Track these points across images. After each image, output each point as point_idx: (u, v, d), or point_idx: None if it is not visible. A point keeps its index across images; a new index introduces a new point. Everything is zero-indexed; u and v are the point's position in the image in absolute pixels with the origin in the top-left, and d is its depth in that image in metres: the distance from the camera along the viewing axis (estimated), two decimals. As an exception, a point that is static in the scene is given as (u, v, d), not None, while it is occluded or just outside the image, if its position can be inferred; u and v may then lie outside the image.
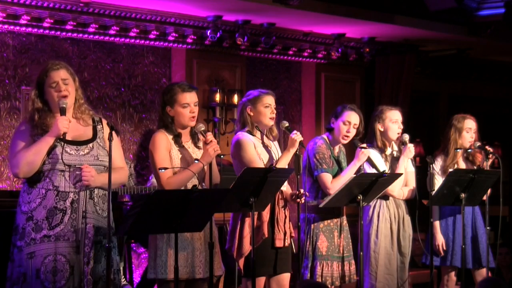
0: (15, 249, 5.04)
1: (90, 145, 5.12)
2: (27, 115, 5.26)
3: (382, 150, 6.81)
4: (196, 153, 5.58)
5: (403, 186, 6.83)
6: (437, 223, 7.09)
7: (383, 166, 6.67)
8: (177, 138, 5.54)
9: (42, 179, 5.03)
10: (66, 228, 5.01)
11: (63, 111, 5.03)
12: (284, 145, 6.24)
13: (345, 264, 6.45)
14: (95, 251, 5.08)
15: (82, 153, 5.06)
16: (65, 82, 5.09)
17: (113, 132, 5.15)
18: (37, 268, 4.96)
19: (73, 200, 5.03)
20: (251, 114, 6.03)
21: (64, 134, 4.97)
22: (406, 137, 6.78)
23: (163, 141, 5.49)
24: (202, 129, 5.56)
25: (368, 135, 6.87)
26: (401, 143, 6.83)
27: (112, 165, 5.08)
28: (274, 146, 6.17)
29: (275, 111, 6.07)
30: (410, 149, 6.72)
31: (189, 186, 5.43)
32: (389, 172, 6.62)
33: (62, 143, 5.01)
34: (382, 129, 6.82)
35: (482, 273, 7.06)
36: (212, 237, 5.42)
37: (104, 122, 5.29)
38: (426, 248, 7.09)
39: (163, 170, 5.39)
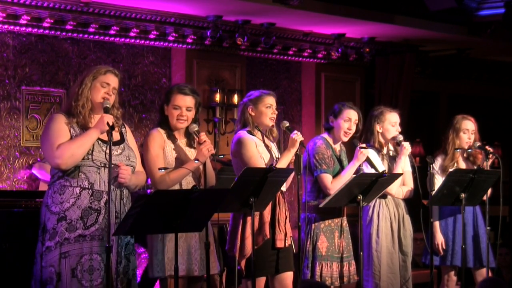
0: (43, 248, 5.10)
1: (122, 146, 5.27)
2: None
3: (379, 150, 6.83)
4: (191, 152, 5.62)
5: (401, 185, 6.85)
6: (437, 223, 7.09)
7: (381, 166, 6.68)
8: (170, 133, 5.60)
9: (77, 175, 5.10)
10: (100, 227, 5.10)
11: (107, 110, 5.15)
12: (284, 145, 6.25)
13: (344, 265, 6.45)
14: (127, 250, 5.22)
15: (115, 153, 5.18)
16: (113, 91, 5.25)
17: (133, 137, 5.42)
18: (73, 268, 5.04)
19: (107, 200, 5.10)
20: (252, 114, 6.04)
21: (110, 129, 5.05)
22: (400, 137, 6.81)
23: (157, 139, 5.56)
24: (196, 129, 5.59)
25: (364, 134, 6.88)
26: (397, 144, 6.85)
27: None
28: (274, 147, 6.18)
29: (276, 112, 6.08)
30: (406, 147, 6.75)
31: (187, 186, 5.46)
32: (387, 171, 6.63)
33: (100, 142, 5.13)
34: (380, 130, 6.85)
35: (482, 273, 7.07)
36: (207, 237, 5.45)
37: (127, 126, 5.45)
38: (428, 247, 7.09)
39: (163, 170, 5.42)
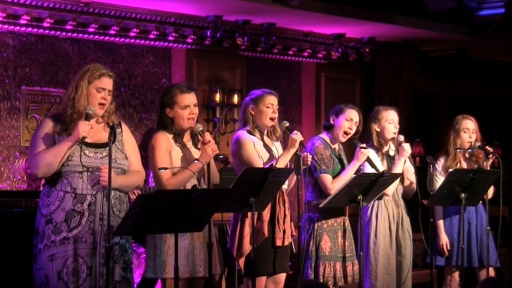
0: (36, 250, 5.12)
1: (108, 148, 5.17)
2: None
3: (378, 150, 6.84)
4: (197, 154, 5.59)
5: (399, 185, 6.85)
6: (441, 223, 7.09)
7: (381, 166, 6.68)
8: (177, 137, 5.55)
9: (60, 180, 5.10)
10: (84, 230, 5.08)
11: (87, 117, 5.11)
12: (284, 145, 6.25)
13: (348, 264, 6.45)
14: (114, 252, 5.15)
15: (100, 155, 5.14)
16: (109, 93, 5.23)
17: (131, 136, 5.33)
18: (59, 270, 5.04)
19: (91, 202, 5.10)
20: (253, 113, 6.05)
21: (83, 138, 5.04)
22: (401, 137, 6.81)
23: (163, 142, 5.51)
24: (200, 129, 5.57)
25: (364, 135, 6.88)
26: (398, 144, 6.85)
27: (129, 168, 5.25)
28: (276, 147, 6.17)
29: (277, 112, 6.08)
30: (406, 148, 6.74)
31: (189, 186, 5.45)
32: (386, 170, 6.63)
33: (81, 146, 5.08)
34: (378, 130, 6.86)
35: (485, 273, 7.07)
36: (210, 237, 5.44)
37: (124, 125, 5.38)
38: (428, 248, 7.08)
39: (163, 170, 5.40)
